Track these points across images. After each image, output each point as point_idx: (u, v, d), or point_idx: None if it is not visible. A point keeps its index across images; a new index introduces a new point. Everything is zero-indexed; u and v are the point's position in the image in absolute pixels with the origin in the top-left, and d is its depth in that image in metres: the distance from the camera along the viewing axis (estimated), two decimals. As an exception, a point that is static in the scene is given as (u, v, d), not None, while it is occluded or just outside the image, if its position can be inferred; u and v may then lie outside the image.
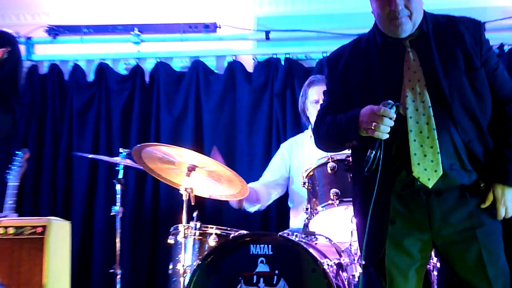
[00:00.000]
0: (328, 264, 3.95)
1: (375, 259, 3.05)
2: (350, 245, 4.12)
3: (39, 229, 4.14)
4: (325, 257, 4.06)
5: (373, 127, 2.88)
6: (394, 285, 3.03)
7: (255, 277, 3.95)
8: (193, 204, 4.33)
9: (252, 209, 4.86)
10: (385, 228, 2.99)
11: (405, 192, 3.03)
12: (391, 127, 2.88)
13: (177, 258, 4.27)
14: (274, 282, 3.92)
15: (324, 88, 4.64)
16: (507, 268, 3.06)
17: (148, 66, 5.96)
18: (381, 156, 2.93)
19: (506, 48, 5.34)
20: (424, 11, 3.15)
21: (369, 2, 3.16)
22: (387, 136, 2.89)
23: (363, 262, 3.19)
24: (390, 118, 2.86)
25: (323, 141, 3.34)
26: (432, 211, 3.01)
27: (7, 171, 4.71)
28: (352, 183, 3.48)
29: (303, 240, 4.10)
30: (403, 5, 3.01)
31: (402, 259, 3.03)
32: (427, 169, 2.97)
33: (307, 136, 4.87)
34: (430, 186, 2.96)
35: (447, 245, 3.08)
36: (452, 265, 3.11)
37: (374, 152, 2.92)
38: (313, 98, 4.76)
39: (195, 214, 4.35)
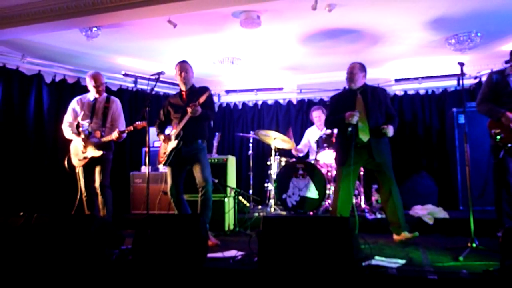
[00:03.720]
0: (323, 171, 3.95)
1: (344, 164, 2.93)
2: (331, 163, 4.06)
3: (225, 160, 3.94)
4: (322, 167, 4.05)
5: (351, 118, 2.84)
6: (349, 172, 2.91)
7: (298, 175, 3.95)
8: (276, 151, 4.35)
9: (300, 155, 4.76)
10: (351, 151, 2.87)
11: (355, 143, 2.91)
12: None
13: (270, 169, 4.30)
14: (305, 177, 3.92)
15: (318, 111, 4.57)
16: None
17: (259, 102, 5.85)
18: (354, 129, 2.86)
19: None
20: (365, 83, 3.02)
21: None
22: (356, 122, 2.84)
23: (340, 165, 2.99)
24: (357, 116, 2.82)
25: (332, 124, 3.16)
26: (368, 151, 2.91)
27: (213, 140, 4.56)
28: (336, 141, 3.31)
29: (314, 163, 4.07)
30: (350, 78, 2.96)
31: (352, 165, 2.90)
32: (365, 136, 2.88)
33: (314, 128, 4.74)
34: (365, 141, 2.87)
35: (370, 163, 2.98)
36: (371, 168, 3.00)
37: (351, 128, 2.86)
38: (313, 116, 4.64)
39: (277, 153, 4.35)
